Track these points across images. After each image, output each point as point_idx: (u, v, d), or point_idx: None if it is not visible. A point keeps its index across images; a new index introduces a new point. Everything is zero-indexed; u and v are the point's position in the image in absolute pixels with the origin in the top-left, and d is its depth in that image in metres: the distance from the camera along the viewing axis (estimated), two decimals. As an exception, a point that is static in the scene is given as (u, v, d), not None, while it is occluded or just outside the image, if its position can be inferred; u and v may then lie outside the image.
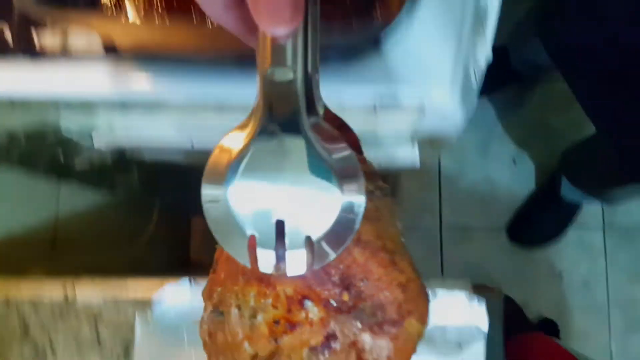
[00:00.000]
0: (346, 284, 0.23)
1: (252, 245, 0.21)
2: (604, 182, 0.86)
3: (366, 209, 0.22)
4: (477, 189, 1.20)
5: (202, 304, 0.26)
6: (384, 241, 0.24)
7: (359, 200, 0.21)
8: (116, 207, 0.69)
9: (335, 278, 0.23)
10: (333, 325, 0.22)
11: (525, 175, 1.21)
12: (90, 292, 0.47)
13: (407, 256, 0.24)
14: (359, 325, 0.22)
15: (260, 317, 0.23)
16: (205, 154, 0.21)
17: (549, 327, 1.17)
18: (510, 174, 1.19)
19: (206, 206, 0.21)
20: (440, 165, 1.18)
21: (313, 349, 0.23)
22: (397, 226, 0.26)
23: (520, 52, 0.94)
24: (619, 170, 0.71)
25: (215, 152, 0.21)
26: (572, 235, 1.24)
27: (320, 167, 0.20)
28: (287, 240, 0.21)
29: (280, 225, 0.21)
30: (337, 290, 0.22)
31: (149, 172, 0.60)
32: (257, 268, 0.20)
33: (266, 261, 0.21)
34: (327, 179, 0.20)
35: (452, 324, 0.36)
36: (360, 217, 0.21)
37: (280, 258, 0.21)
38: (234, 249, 0.21)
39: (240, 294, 0.24)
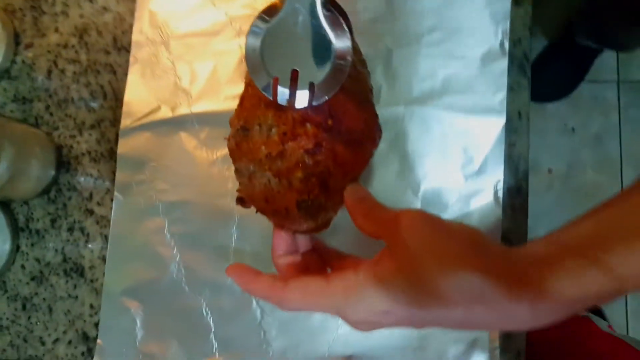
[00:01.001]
0: (331, 114, 0.35)
1: (275, 83, 0.33)
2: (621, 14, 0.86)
3: (350, 70, 0.36)
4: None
5: None
6: (358, 92, 0.37)
7: (347, 58, 0.34)
8: None
9: (325, 109, 0.35)
10: (320, 138, 0.35)
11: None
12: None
13: (371, 104, 0.39)
14: (336, 140, 0.36)
15: (274, 130, 0.36)
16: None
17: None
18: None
19: (247, 52, 0.34)
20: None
21: (307, 151, 0.35)
22: (369, 86, 0.40)
23: None
24: None
25: (258, 16, 0.34)
26: (585, 90, 1.22)
27: (325, 37, 0.34)
28: (298, 83, 0.33)
29: (294, 73, 0.33)
30: (325, 117, 0.35)
31: None
32: (276, 99, 0.34)
33: (282, 95, 0.33)
34: (328, 44, 0.34)
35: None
36: (347, 69, 0.34)
37: (292, 95, 0.33)
38: (262, 85, 0.34)
39: (262, 116, 0.36)
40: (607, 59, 1.26)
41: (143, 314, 0.45)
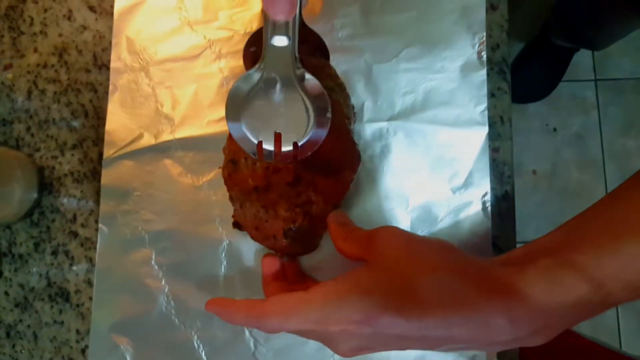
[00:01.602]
0: (309, 148, 0.38)
1: (259, 147, 0.36)
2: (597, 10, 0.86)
3: None
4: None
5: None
6: (333, 123, 0.38)
7: (327, 116, 0.36)
8: None
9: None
10: (299, 170, 0.38)
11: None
12: None
13: (349, 133, 0.40)
14: (314, 171, 0.38)
15: (258, 164, 0.39)
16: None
17: None
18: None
19: (229, 126, 0.36)
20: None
21: (288, 183, 0.38)
22: (348, 112, 0.41)
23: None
24: None
25: (234, 87, 0.36)
26: (564, 89, 1.24)
27: (303, 103, 0.36)
28: (282, 144, 0.36)
29: (277, 135, 0.36)
30: (303, 151, 0.37)
31: None
32: (263, 160, 0.37)
33: (267, 155, 0.36)
34: (307, 109, 0.36)
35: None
36: (328, 125, 0.36)
37: (277, 154, 0.36)
38: (248, 148, 0.37)
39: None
40: (583, 58, 1.28)
41: (133, 350, 0.44)
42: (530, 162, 1.32)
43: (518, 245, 0.42)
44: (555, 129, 1.31)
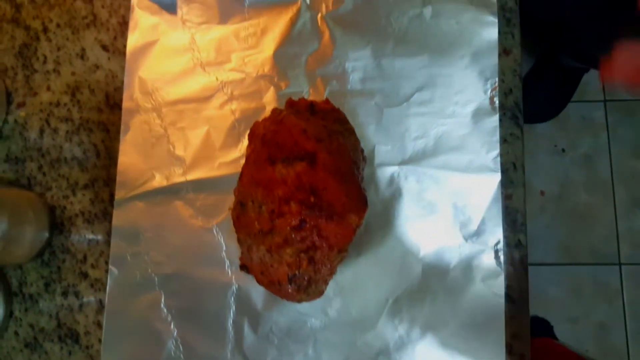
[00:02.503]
0: (313, 191, 0.37)
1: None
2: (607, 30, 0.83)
3: (331, 147, 0.37)
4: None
5: None
6: (339, 167, 0.38)
7: None
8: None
9: (307, 188, 0.38)
10: (304, 214, 0.37)
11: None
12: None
13: (354, 177, 0.39)
14: (319, 215, 0.38)
15: (263, 208, 0.39)
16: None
17: (542, 327, 1.14)
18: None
19: None
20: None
21: (292, 227, 0.38)
22: (356, 157, 0.41)
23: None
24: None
25: None
26: (573, 110, 1.22)
27: None
28: None
29: None
30: (307, 195, 0.38)
31: None
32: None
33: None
34: None
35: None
36: None
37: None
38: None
39: (254, 193, 0.39)
40: (592, 79, 1.27)
41: (141, 392, 0.43)
42: (538, 182, 1.30)
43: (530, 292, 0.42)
44: (563, 150, 1.30)
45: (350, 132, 0.42)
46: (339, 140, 0.40)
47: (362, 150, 0.43)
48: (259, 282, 0.41)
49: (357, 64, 0.46)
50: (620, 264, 1.23)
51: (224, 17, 0.47)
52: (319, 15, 0.46)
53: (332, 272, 0.40)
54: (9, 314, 0.47)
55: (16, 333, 0.47)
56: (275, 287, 0.41)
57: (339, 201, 0.38)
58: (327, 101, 0.43)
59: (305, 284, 0.40)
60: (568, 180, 1.31)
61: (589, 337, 1.22)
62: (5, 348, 0.47)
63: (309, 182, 0.38)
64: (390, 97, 0.45)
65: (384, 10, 0.46)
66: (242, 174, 0.41)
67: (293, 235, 0.38)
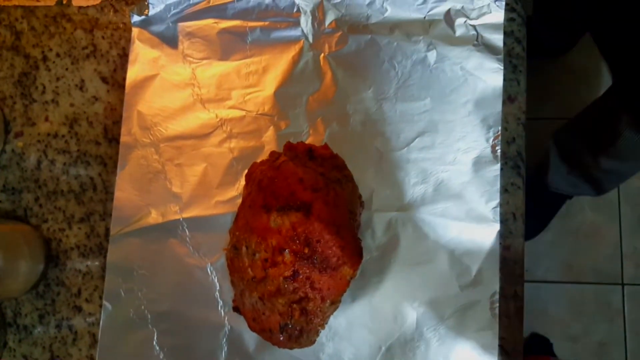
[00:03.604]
0: (307, 242, 0.37)
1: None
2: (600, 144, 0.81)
3: (328, 197, 0.37)
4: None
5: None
6: (335, 219, 0.38)
7: None
8: None
9: (301, 238, 0.37)
10: (297, 265, 0.37)
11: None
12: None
13: (350, 228, 0.39)
14: (312, 267, 0.37)
15: (257, 255, 0.39)
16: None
17: (541, 344, 1.14)
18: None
19: None
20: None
21: (285, 278, 0.37)
22: (353, 206, 0.40)
23: None
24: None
25: None
26: None
27: None
28: None
29: None
30: (301, 246, 0.37)
31: None
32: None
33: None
34: None
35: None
36: None
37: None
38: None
39: (248, 240, 0.39)
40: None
41: None
42: (543, 199, 1.29)
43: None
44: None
45: (349, 178, 0.42)
46: (336, 189, 0.39)
47: (360, 196, 0.43)
48: (251, 328, 0.41)
49: (358, 106, 0.45)
50: (623, 284, 1.23)
51: (226, 54, 0.47)
52: (322, 55, 0.46)
53: (324, 323, 0.40)
54: (3, 344, 0.47)
55: (9, 364, 0.47)
56: (266, 334, 0.40)
57: (333, 253, 0.38)
58: (325, 146, 0.42)
59: (297, 334, 0.40)
60: (574, 198, 1.30)
61: (588, 356, 1.21)
62: (-2, 379, 0.47)
63: (304, 233, 0.37)
64: (390, 141, 0.44)
65: (387, 53, 0.45)
66: (237, 216, 0.41)
67: (286, 286, 0.38)
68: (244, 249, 0.40)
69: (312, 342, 0.41)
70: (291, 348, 0.40)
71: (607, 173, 0.85)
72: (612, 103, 0.72)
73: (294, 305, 0.38)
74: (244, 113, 0.46)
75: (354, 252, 0.39)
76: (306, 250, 0.37)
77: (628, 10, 0.53)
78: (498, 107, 0.43)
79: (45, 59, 0.49)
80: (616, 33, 0.57)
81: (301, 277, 0.38)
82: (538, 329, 1.20)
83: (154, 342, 0.44)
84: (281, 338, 0.39)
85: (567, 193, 1.10)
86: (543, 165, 1.02)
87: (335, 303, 0.40)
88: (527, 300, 0.43)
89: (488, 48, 0.44)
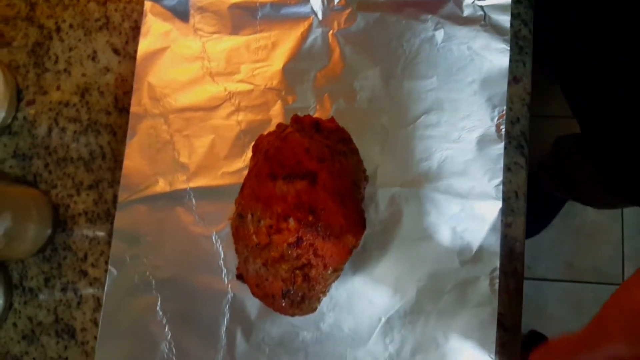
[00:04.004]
0: (312, 210, 0.38)
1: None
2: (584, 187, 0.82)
3: (333, 168, 0.38)
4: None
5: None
6: (340, 189, 0.38)
7: None
8: None
9: (306, 206, 0.38)
10: (301, 232, 0.38)
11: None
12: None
13: (354, 199, 0.40)
14: (316, 234, 0.38)
15: (262, 222, 0.39)
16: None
17: (539, 341, 1.09)
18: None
19: None
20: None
21: (289, 244, 0.38)
22: (357, 177, 0.41)
23: None
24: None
25: None
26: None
27: None
28: None
29: None
30: (306, 213, 0.38)
31: None
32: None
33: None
34: None
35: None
36: None
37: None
38: None
39: (253, 207, 0.40)
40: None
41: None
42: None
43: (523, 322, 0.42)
44: (574, 166, 1.29)
45: (354, 152, 0.42)
46: (342, 160, 0.40)
47: (365, 171, 0.44)
48: (254, 294, 0.42)
49: (365, 83, 0.46)
50: (623, 285, 1.22)
51: (236, 28, 0.48)
52: (331, 32, 0.47)
53: (325, 290, 0.40)
54: (9, 305, 0.48)
55: (14, 325, 0.48)
56: (269, 300, 0.41)
57: (337, 222, 0.38)
58: (332, 120, 0.43)
59: (299, 300, 0.40)
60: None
61: (586, 355, 1.21)
62: (3, 338, 0.48)
63: (309, 201, 0.38)
64: (396, 118, 0.45)
65: (396, 31, 0.46)
66: (243, 186, 0.42)
67: (289, 252, 0.39)
68: (249, 216, 0.40)
69: (314, 310, 0.42)
70: (293, 314, 0.41)
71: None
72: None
73: (297, 272, 0.39)
74: (252, 87, 0.47)
75: (358, 222, 0.40)
76: (310, 218, 0.38)
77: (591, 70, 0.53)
78: (503, 87, 0.44)
79: (58, 29, 0.50)
80: (583, 91, 0.57)
81: (305, 244, 0.38)
82: (537, 326, 1.20)
83: (158, 308, 0.45)
84: (283, 304, 0.40)
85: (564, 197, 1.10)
86: (544, 165, 1.02)
87: (337, 271, 0.40)
88: (526, 298, 0.43)
89: (495, 29, 0.45)
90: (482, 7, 0.45)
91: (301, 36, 0.47)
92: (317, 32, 0.47)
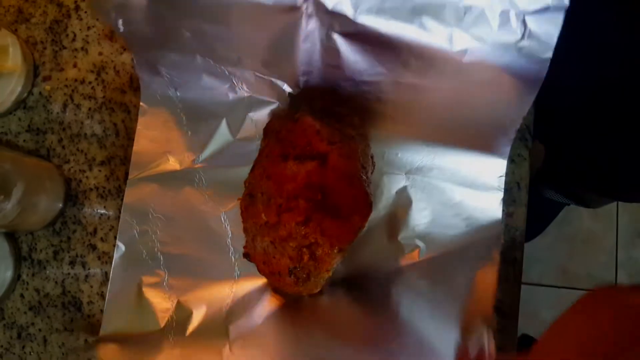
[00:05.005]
0: (321, 190, 0.39)
1: None
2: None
3: (342, 150, 0.39)
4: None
5: None
6: (349, 171, 0.39)
7: None
8: None
9: (316, 187, 0.39)
10: (310, 212, 0.39)
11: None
12: None
13: (361, 182, 0.41)
14: (324, 214, 0.39)
15: (272, 201, 0.40)
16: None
17: (531, 345, 1.10)
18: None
19: None
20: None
21: (298, 223, 0.39)
22: (365, 162, 0.42)
23: None
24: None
25: None
26: None
27: None
28: None
29: None
30: (315, 193, 0.39)
31: None
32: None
33: None
34: None
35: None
36: None
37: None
38: None
39: (264, 186, 0.41)
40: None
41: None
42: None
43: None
44: (571, 174, 1.30)
45: (363, 137, 0.44)
46: (351, 144, 0.41)
47: (372, 156, 0.45)
48: (261, 271, 0.43)
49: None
50: (615, 292, 1.24)
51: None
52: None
53: (330, 269, 0.41)
54: (17, 276, 0.49)
55: (22, 296, 0.49)
56: (275, 277, 0.42)
57: (345, 203, 0.40)
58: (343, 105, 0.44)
59: (304, 277, 0.41)
60: (571, 205, 1.31)
61: (577, 361, 1.22)
62: (10, 309, 0.49)
63: (318, 182, 0.39)
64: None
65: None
66: (254, 167, 0.43)
67: (297, 230, 0.40)
68: (259, 195, 0.42)
69: (318, 287, 0.43)
70: (297, 292, 0.42)
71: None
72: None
73: (304, 250, 0.40)
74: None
75: (365, 204, 0.41)
76: (319, 198, 0.39)
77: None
78: (510, 81, 0.45)
79: (77, 8, 0.51)
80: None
81: (313, 223, 0.39)
82: (529, 330, 1.21)
83: (164, 284, 0.46)
84: (289, 280, 0.41)
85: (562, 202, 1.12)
86: (541, 172, 1.02)
87: (342, 251, 0.41)
88: (519, 302, 0.45)
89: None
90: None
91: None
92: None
